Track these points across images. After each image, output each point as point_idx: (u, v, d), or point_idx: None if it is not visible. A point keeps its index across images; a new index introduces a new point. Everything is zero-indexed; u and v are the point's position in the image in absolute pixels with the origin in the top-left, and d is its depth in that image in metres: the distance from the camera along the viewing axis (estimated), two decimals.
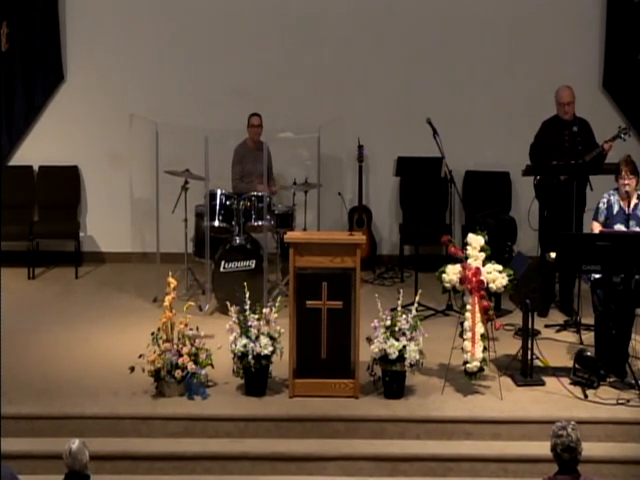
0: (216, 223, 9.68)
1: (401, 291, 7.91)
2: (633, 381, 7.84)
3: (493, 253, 7.92)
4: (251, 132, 10.22)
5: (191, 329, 7.91)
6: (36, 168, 11.19)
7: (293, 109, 10.93)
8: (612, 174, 8.32)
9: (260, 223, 9.66)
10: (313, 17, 10.99)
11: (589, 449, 6.12)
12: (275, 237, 10.13)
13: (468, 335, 7.76)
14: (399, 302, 7.82)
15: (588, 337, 8.69)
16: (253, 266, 9.50)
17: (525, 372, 8.02)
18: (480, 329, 7.76)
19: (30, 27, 11.02)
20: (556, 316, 9.46)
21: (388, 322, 7.70)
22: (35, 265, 10.75)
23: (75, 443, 5.74)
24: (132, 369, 7.79)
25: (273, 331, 7.79)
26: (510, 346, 8.54)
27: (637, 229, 8.10)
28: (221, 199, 9.74)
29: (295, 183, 10.17)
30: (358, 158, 10.90)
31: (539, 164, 9.37)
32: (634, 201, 8.16)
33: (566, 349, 8.68)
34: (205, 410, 7.60)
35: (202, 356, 7.81)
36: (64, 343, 8.81)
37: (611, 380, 7.92)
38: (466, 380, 7.86)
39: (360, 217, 10.96)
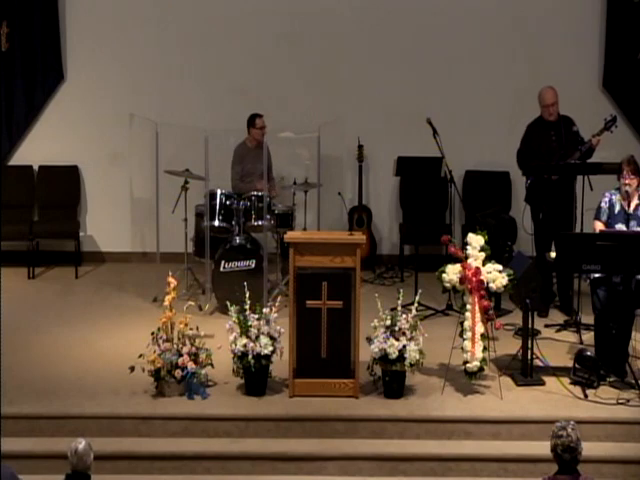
0: (216, 223, 9.68)
1: (401, 291, 7.90)
2: (633, 381, 7.84)
3: (493, 253, 7.92)
4: (257, 133, 10.18)
5: (191, 329, 7.92)
6: (36, 168, 11.19)
7: (293, 109, 10.93)
8: (613, 174, 8.32)
9: (260, 223, 9.66)
10: (313, 17, 10.99)
11: (589, 449, 6.12)
12: (275, 237, 10.13)
13: (468, 335, 7.76)
14: (399, 302, 7.81)
15: (588, 337, 8.69)
16: (253, 266, 9.50)
17: (525, 372, 8.02)
18: (480, 329, 7.76)
19: (30, 27, 11.03)
20: (556, 316, 9.46)
21: (388, 322, 7.70)
22: (35, 265, 10.75)
23: (82, 443, 5.71)
24: (132, 369, 7.79)
25: (273, 331, 7.78)
26: (510, 346, 8.54)
27: (638, 229, 8.09)
28: (221, 199, 9.74)
29: (295, 183, 10.17)
30: (358, 158, 10.91)
31: (538, 164, 9.36)
32: (635, 201, 8.15)
33: (566, 349, 8.68)
34: (205, 410, 7.60)
35: (202, 356, 7.81)
36: (64, 343, 8.81)
37: (611, 380, 7.92)
38: (466, 380, 7.86)
39: (360, 217, 10.97)
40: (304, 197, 10.22)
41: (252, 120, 10.23)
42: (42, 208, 11.20)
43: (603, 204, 8.26)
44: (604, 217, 8.24)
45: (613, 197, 8.22)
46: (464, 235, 8.30)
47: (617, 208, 8.19)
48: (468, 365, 7.78)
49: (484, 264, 7.81)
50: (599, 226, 8.23)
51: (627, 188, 8.08)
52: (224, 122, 10.61)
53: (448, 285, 7.85)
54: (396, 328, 7.68)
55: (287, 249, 7.86)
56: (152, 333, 7.87)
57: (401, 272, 10.72)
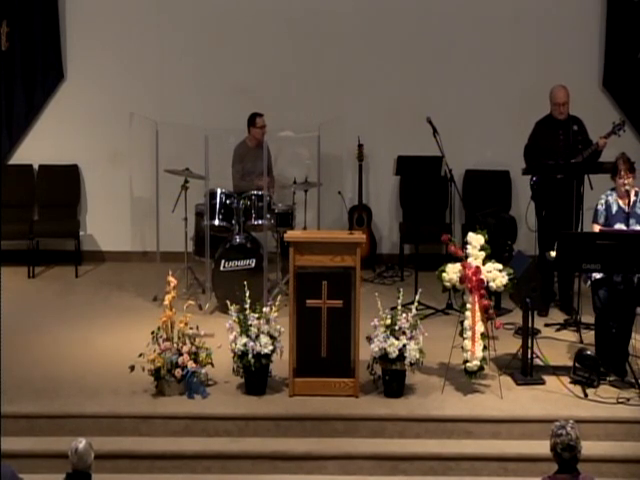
0: (216, 222, 9.68)
1: (401, 290, 7.90)
2: (633, 380, 7.84)
3: (493, 252, 7.92)
4: (257, 133, 10.17)
5: (191, 328, 7.92)
6: (36, 167, 11.19)
7: (293, 108, 10.93)
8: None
9: (260, 222, 9.66)
10: (313, 16, 10.99)
11: (589, 448, 6.13)
12: (275, 236, 10.13)
13: (468, 334, 7.76)
14: (399, 301, 7.81)
15: (588, 336, 8.68)
16: (253, 265, 9.50)
17: (525, 371, 8.02)
18: (480, 328, 7.76)
19: (30, 26, 11.03)
20: (556, 315, 9.46)
21: (388, 321, 7.70)
22: (35, 264, 10.75)
23: (82, 443, 5.72)
24: (132, 368, 7.79)
25: (273, 330, 7.79)
26: (510, 345, 8.54)
27: (637, 227, 8.09)
28: (221, 198, 9.74)
29: (295, 182, 10.17)
30: (358, 157, 10.91)
31: (538, 163, 9.36)
32: (632, 198, 8.13)
33: (566, 348, 8.68)
34: (205, 409, 7.60)
35: (202, 355, 7.82)
36: (64, 342, 8.81)
37: (611, 379, 7.92)
38: (466, 379, 7.86)
39: (360, 216, 10.97)
40: (304, 196, 10.22)
41: (252, 119, 10.23)
42: (42, 207, 11.20)
43: (599, 206, 8.25)
44: (601, 219, 8.21)
45: (610, 198, 8.21)
46: (464, 234, 8.31)
47: (615, 208, 8.18)
48: (468, 364, 7.78)
49: (484, 263, 7.81)
50: (597, 229, 8.21)
51: (626, 187, 8.07)
52: (224, 122, 10.61)
53: (448, 284, 7.86)
54: (396, 327, 7.68)
55: (287, 248, 7.87)
56: (152, 332, 7.87)
57: (401, 271, 10.72)
